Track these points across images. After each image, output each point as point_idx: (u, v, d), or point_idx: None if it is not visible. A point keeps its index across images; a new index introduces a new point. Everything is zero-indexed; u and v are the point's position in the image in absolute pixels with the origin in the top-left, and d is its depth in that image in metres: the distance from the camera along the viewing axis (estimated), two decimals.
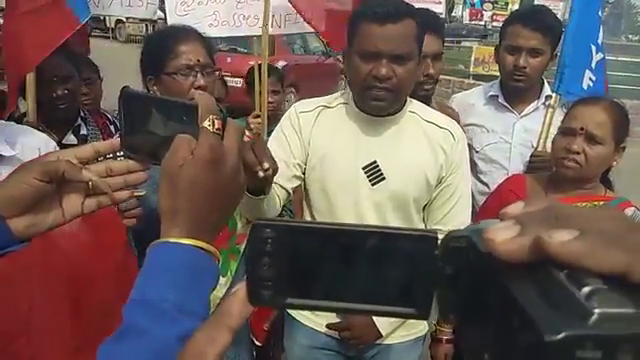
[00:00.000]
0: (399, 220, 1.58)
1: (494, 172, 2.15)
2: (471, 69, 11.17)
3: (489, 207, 1.91)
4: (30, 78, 2.11)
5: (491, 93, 2.24)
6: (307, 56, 9.71)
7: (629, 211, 1.65)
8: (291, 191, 1.60)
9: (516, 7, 16.16)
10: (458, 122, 1.81)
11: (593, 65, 2.32)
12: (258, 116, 2.71)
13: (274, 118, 2.56)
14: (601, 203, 1.67)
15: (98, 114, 2.47)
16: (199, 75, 1.56)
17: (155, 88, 1.60)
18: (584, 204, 1.62)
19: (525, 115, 2.18)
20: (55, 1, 2.06)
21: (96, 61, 2.64)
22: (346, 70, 1.57)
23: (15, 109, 2.31)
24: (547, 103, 2.17)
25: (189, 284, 0.57)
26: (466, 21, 21.72)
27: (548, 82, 2.25)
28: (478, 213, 1.99)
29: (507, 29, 2.13)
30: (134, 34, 16.38)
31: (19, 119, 2.19)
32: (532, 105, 2.19)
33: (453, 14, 20.72)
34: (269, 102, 2.78)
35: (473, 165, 2.07)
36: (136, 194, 1.15)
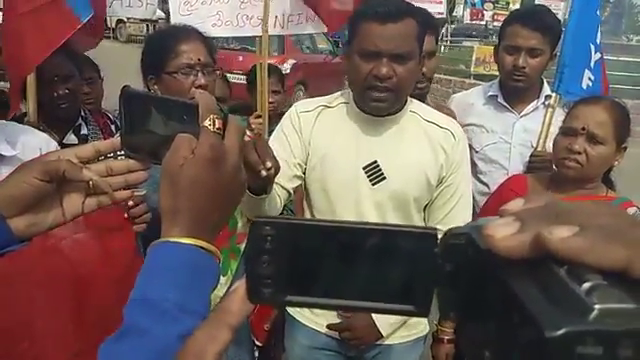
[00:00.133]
0: (399, 220, 1.58)
1: (494, 172, 2.14)
2: (472, 69, 11.17)
3: (490, 207, 1.91)
4: (30, 78, 2.11)
5: (490, 93, 2.23)
6: (315, 55, 10.21)
7: (631, 211, 1.65)
8: (292, 191, 1.60)
9: (517, 7, 16.17)
10: None
11: (592, 65, 2.32)
12: (260, 116, 2.71)
13: (276, 117, 2.57)
14: None
15: (99, 114, 2.47)
16: (200, 74, 1.56)
17: (156, 87, 1.60)
18: None
19: (525, 115, 2.18)
20: (54, 0, 2.06)
21: (97, 61, 2.64)
22: (346, 70, 1.57)
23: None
24: (547, 103, 2.17)
25: (190, 284, 0.57)
26: (467, 21, 21.73)
27: (547, 82, 2.25)
28: (479, 214, 1.99)
29: (506, 29, 2.12)
30: (135, 34, 16.40)
31: (20, 119, 2.19)
32: (532, 105, 2.18)
33: (454, 14, 20.70)
34: (270, 102, 2.79)
35: (473, 165, 2.06)
36: (136, 194, 1.15)
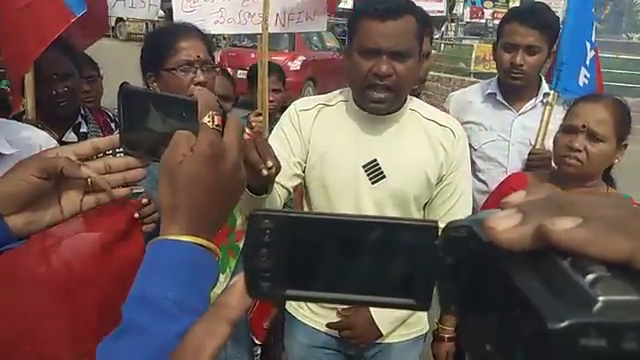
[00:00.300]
0: None
1: (492, 170, 2.14)
2: (472, 67, 11.18)
3: (490, 205, 1.91)
4: (28, 76, 2.10)
5: (489, 91, 2.23)
6: (324, 52, 10.64)
7: None
8: (292, 190, 1.59)
9: (517, 4, 16.17)
10: None
11: (587, 62, 2.33)
12: (260, 114, 2.71)
13: (278, 115, 2.57)
14: None
15: (99, 112, 2.46)
16: (199, 71, 1.56)
17: (155, 85, 1.60)
18: None
19: (523, 113, 2.18)
20: None
21: (96, 59, 2.64)
22: (346, 68, 1.56)
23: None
24: (545, 100, 2.17)
25: (189, 281, 0.57)
26: (467, 19, 21.73)
27: (546, 80, 2.25)
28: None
29: (504, 27, 2.12)
30: (134, 33, 16.40)
31: (18, 117, 2.18)
32: (530, 103, 2.18)
33: (454, 12, 20.69)
34: (270, 101, 2.79)
35: (471, 163, 2.06)
36: (135, 191, 1.15)
